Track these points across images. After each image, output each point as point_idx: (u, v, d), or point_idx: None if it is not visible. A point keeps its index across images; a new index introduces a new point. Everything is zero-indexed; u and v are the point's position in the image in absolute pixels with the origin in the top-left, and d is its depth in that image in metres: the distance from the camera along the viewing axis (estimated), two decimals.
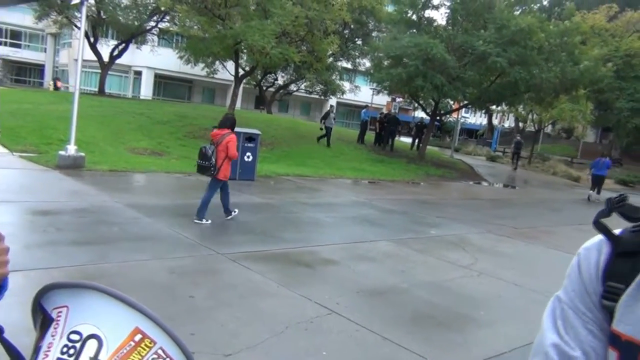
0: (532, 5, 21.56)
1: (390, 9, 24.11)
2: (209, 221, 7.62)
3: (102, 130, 15.15)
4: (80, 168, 10.77)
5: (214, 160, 7.50)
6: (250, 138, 12.38)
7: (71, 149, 10.79)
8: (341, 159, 18.50)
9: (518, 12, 20.42)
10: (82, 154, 11.05)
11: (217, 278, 5.43)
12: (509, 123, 51.19)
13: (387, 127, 22.94)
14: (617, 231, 0.85)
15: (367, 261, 6.73)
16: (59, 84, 36.06)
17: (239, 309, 4.57)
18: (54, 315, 0.82)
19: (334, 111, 22.04)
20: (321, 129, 20.66)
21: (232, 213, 8.05)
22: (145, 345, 0.79)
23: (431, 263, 7.01)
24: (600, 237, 0.86)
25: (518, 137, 27.87)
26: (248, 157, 12.27)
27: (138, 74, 39.28)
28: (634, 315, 0.78)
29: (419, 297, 5.54)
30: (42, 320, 0.84)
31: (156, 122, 17.77)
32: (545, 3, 30.97)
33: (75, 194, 8.81)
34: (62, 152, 10.76)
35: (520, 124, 35.67)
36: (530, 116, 30.48)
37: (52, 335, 0.80)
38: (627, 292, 0.79)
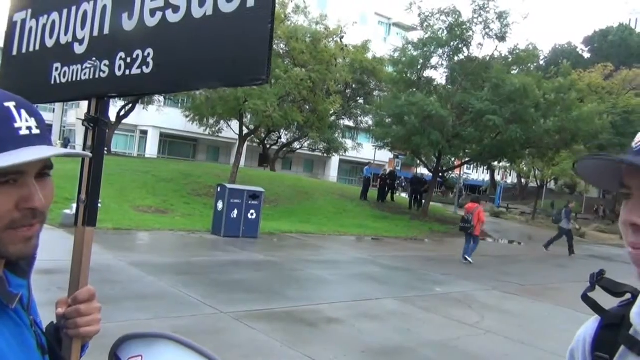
0: (529, 64, 22.11)
1: (390, 69, 24.76)
2: (472, 261, 12.27)
3: (108, 189, 15.26)
4: None
5: (472, 223, 12.14)
6: (254, 196, 12.47)
7: (76, 208, 10.84)
8: (344, 216, 18.51)
9: (515, 71, 20.95)
10: None
11: (221, 337, 5.35)
12: (511, 179, 51.42)
13: (389, 183, 23.41)
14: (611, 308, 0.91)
15: (371, 320, 6.64)
16: None
17: None
18: None
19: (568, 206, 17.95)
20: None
21: (469, 260, 12.26)
22: None
23: (437, 321, 6.91)
24: (597, 316, 0.92)
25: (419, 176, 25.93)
26: (252, 214, 12.30)
27: (144, 133, 39.92)
28: None
29: (426, 357, 5.44)
30: None
31: (161, 180, 17.94)
32: (541, 62, 31.67)
33: None
34: (66, 211, 10.82)
35: (523, 180, 35.79)
36: (532, 172, 30.66)
37: None
38: None
